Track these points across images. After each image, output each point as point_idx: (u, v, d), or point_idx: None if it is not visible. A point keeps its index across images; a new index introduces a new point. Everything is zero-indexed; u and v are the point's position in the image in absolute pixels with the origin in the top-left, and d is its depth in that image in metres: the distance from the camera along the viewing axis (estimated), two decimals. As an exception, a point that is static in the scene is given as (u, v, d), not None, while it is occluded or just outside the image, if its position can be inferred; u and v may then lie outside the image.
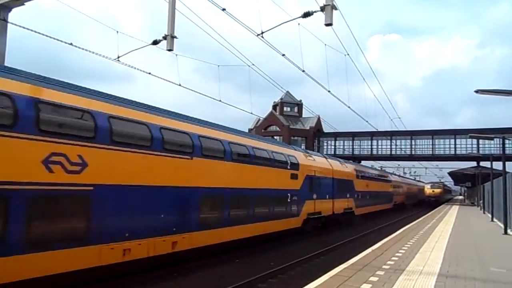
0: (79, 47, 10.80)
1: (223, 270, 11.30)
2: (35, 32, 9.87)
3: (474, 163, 48.13)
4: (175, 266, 10.71)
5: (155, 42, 11.82)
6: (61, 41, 10.40)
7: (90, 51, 11.11)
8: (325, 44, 14.43)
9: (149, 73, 12.88)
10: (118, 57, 11.96)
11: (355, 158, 54.22)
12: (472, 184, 54.82)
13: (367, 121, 24.05)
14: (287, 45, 15.53)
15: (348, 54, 14.50)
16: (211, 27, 12.34)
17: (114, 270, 8.84)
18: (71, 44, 10.56)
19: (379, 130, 32.54)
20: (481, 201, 39.20)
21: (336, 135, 57.52)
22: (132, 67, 12.29)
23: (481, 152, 44.74)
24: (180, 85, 13.44)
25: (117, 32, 12.32)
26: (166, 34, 11.42)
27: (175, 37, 11.40)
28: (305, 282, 7.90)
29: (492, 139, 22.79)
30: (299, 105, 64.83)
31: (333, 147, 58.72)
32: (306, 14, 9.90)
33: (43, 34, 10.07)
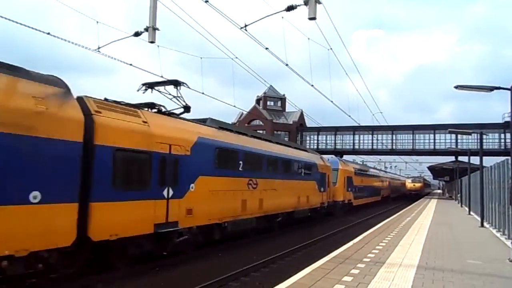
0: (58, 37, 10.50)
1: (208, 264, 11.27)
2: (11, 20, 9.53)
3: (452, 158, 49.23)
4: (157, 261, 10.63)
5: (137, 34, 11.61)
6: (39, 30, 10.09)
7: (68, 41, 10.84)
8: (309, 38, 14.47)
9: (131, 65, 12.67)
10: (99, 47, 11.71)
11: (338, 153, 54.77)
12: (451, 178, 56.06)
13: (349, 116, 24.30)
14: (270, 38, 15.49)
15: (331, 49, 14.56)
16: (194, 19, 12.20)
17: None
18: (48, 33, 10.25)
19: (361, 124, 32.95)
20: (459, 195, 40.17)
21: (319, 130, 57.91)
22: (113, 58, 12.06)
23: (459, 147, 45.77)
24: (162, 77, 13.27)
25: (97, 22, 12.06)
26: (148, 26, 11.22)
27: (157, 29, 11.22)
28: (288, 275, 7.95)
29: (470, 134, 23.28)
30: (283, 99, 65.01)
31: (315, 141, 59.11)
32: (290, 8, 9.87)
33: (19, 23, 9.75)
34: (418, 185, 70.14)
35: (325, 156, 28.62)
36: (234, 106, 31.19)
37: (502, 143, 47.48)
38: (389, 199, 54.55)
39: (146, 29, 11.20)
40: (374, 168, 54.66)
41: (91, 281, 8.75)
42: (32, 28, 9.91)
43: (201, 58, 16.43)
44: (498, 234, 14.94)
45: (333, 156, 39.64)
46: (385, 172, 63.95)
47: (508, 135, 45.31)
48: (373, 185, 42.83)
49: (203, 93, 15.66)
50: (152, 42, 11.21)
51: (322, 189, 23.41)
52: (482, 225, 18.01)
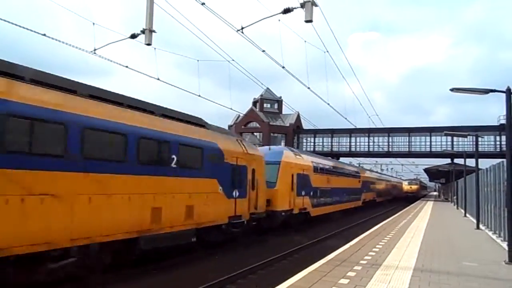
0: (53, 38, 10.46)
1: (205, 266, 11.24)
2: (6, 21, 9.49)
3: (448, 160, 49.49)
4: (155, 263, 10.59)
5: (133, 36, 11.63)
6: (33, 31, 10.04)
7: (64, 43, 10.81)
8: (305, 41, 14.52)
9: (127, 67, 12.65)
10: (95, 49, 11.70)
11: (334, 155, 54.95)
12: (446, 180, 56.34)
13: (346, 118, 24.37)
14: (267, 41, 15.53)
15: (327, 51, 14.61)
16: (191, 21, 12.21)
17: None
18: (44, 35, 10.22)
19: (358, 127, 33.02)
20: (455, 197, 40.33)
21: (315, 132, 58.07)
22: (109, 60, 12.04)
23: (455, 149, 46.00)
24: (158, 79, 13.26)
25: (93, 24, 12.04)
26: (145, 28, 11.23)
27: (154, 31, 11.24)
28: (285, 277, 7.93)
29: (465, 136, 23.45)
30: (279, 101, 65.10)
31: (312, 143, 59.27)
32: (286, 11, 9.92)
33: (14, 24, 9.70)
34: (414, 187, 71.15)
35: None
36: (231, 108, 31.19)
37: (498, 146, 47.82)
38: (376, 204, 45.88)
39: (143, 31, 11.22)
40: (353, 165, 44.90)
41: (88, 283, 8.71)
42: (28, 29, 9.88)
43: (197, 60, 16.46)
44: (494, 236, 15.00)
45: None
46: (371, 171, 59.24)
47: (503, 138, 45.56)
48: (347, 187, 32.14)
49: (199, 96, 15.64)
50: (148, 44, 11.23)
51: (235, 193, 14.17)
52: (478, 227, 18.07)
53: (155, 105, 11.05)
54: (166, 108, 11.47)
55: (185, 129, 11.77)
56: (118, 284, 9.07)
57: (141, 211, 9.60)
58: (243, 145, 15.52)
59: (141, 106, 10.36)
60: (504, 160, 11.21)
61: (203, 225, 12.16)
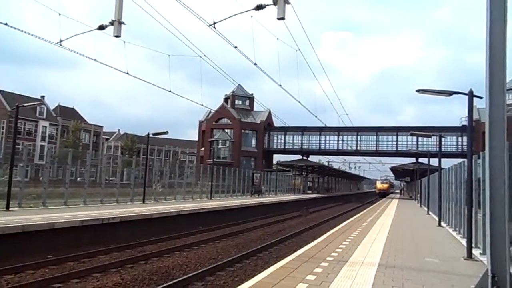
0: (16, 28, 10.00)
1: (173, 262, 11.10)
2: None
3: (413, 159, 51.14)
4: (124, 259, 10.37)
5: (101, 28, 11.28)
6: (-5, 20, 9.54)
7: (28, 33, 10.36)
8: (277, 38, 14.55)
9: (95, 60, 12.28)
10: (61, 41, 11.28)
11: (304, 153, 55.59)
12: (411, 179, 58.19)
13: (316, 116, 24.68)
14: (240, 37, 15.46)
15: (299, 50, 14.71)
16: (162, 14, 11.98)
17: None
18: (6, 24, 9.76)
19: (328, 125, 33.51)
20: (419, 195, 41.72)
21: (286, 130, 58.57)
22: (75, 52, 11.64)
23: (420, 148, 47.62)
24: (127, 73, 12.96)
25: (59, 14, 11.60)
26: (113, 19, 10.91)
27: (123, 23, 10.93)
28: (253, 274, 7.96)
29: (430, 137, 24.23)
30: (251, 98, 65.15)
31: (283, 141, 59.73)
32: (259, 7, 9.87)
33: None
34: (385, 186, 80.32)
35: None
36: (202, 104, 30.90)
37: (460, 146, 49.82)
38: None
39: (111, 23, 10.90)
40: None
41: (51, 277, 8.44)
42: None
43: (169, 55, 16.18)
44: (454, 233, 15.59)
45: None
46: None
47: (465, 139, 47.51)
48: None
49: (170, 91, 15.42)
50: (117, 36, 10.91)
51: None
52: (439, 225, 18.74)
53: None
54: None
55: None
56: (84, 278, 8.83)
57: None
58: None
59: None
60: (465, 160, 11.65)
61: None
